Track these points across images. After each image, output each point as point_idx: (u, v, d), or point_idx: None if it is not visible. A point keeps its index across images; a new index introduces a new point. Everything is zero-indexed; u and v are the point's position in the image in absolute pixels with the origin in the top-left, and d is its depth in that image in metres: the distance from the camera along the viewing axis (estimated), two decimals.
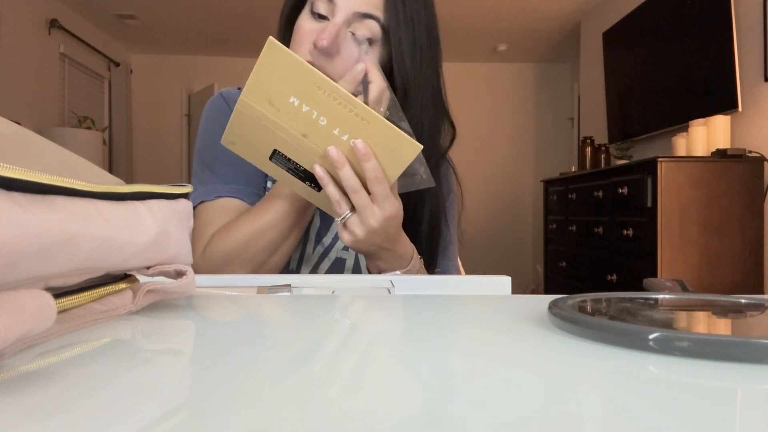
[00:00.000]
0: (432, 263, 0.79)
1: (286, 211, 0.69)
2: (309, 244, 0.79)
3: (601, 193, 2.95)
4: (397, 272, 0.68)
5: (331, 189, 0.61)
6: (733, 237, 2.43)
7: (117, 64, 5.05)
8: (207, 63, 5.49)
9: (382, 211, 0.60)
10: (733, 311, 0.34)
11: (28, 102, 3.85)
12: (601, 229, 2.95)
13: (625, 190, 2.67)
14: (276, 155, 0.62)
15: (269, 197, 0.71)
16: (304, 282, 0.53)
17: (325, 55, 0.68)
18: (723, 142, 2.58)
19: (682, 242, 2.41)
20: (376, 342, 0.28)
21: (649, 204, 2.47)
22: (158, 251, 0.33)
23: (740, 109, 2.59)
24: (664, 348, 0.24)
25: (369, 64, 0.66)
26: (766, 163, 2.48)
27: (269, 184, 0.80)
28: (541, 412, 0.17)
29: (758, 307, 0.34)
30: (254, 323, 0.35)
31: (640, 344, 0.24)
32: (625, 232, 2.67)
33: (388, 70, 0.70)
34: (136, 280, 0.35)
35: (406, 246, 0.68)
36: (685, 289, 0.63)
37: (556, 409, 0.18)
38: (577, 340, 0.26)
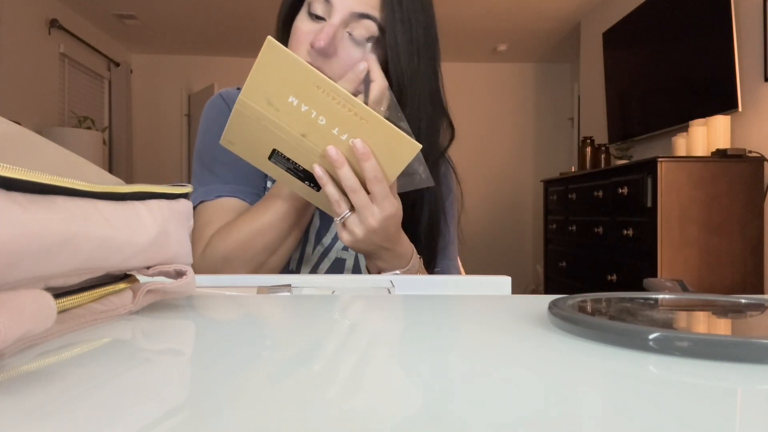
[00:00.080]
0: (431, 263, 0.79)
1: (286, 211, 0.69)
2: (309, 244, 0.79)
3: (601, 193, 2.95)
4: (397, 272, 0.68)
5: (330, 189, 0.61)
6: (733, 237, 2.43)
7: (117, 64, 5.05)
8: (207, 63, 5.49)
9: (381, 210, 0.60)
10: (733, 311, 0.34)
11: (28, 102, 3.85)
12: (601, 229, 2.95)
13: (625, 190, 2.67)
14: (275, 155, 0.62)
15: (268, 197, 0.71)
16: (304, 282, 0.53)
17: (322, 55, 0.68)
18: (723, 142, 2.59)
19: (682, 242, 2.41)
20: (376, 342, 0.28)
21: (649, 204, 2.47)
22: (158, 251, 0.33)
23: (740, 109, 2.59)
24: (664, 348, 0.24)
25: (371, 63, 0.66)
26: (766, 163, 2.48)
27: (269, 184, 0.80)
28: (541, 412, 0.17)
29: (758, 307, 0.34)
30: (254, 323, 0.35)
31: (640, 344, 0.24)
32: (625, 232, 2.67)
33: (384, 69, 0.70)
34: (136, 280, 0.35)
35: (406, 245, 0.68)
36: (685, 289, 0.63)
37: (556, 409, 0.18)
38: (577, 340, 0.26)
